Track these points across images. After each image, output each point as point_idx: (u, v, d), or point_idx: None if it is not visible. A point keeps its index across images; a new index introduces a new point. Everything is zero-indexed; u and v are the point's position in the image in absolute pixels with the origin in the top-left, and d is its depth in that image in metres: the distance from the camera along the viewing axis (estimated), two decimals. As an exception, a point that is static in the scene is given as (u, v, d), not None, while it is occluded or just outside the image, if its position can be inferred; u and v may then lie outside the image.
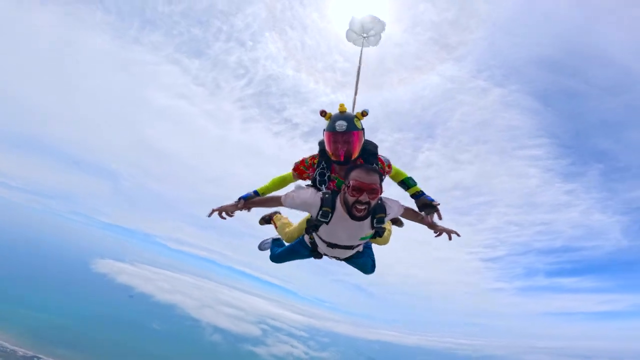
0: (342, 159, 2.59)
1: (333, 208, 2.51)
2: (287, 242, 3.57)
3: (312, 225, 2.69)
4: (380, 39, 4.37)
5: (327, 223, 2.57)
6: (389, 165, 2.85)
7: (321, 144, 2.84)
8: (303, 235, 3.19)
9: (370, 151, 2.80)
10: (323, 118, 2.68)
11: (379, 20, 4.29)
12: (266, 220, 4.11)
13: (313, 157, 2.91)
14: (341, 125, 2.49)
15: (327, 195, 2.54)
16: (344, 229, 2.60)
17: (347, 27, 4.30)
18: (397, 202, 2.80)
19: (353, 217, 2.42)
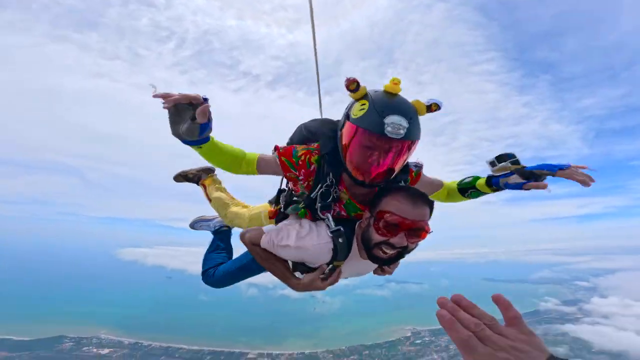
0: (372, 178, 1.46)
1: (347, 255, 1.55)
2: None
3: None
4: None
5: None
6: (418, 174, 1.74)
7: (327, 142, 1.59)
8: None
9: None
10: (351, 94, 1.44)
11: None
12: (187, 178, 2.69)
13: (309, 151, 1.60)
14: (397, 126, 1.32)
15: (340, 241, 1.51)
16: (348, 267, 1.67)
17: None
18: None
19: (372, 259, 1.46)
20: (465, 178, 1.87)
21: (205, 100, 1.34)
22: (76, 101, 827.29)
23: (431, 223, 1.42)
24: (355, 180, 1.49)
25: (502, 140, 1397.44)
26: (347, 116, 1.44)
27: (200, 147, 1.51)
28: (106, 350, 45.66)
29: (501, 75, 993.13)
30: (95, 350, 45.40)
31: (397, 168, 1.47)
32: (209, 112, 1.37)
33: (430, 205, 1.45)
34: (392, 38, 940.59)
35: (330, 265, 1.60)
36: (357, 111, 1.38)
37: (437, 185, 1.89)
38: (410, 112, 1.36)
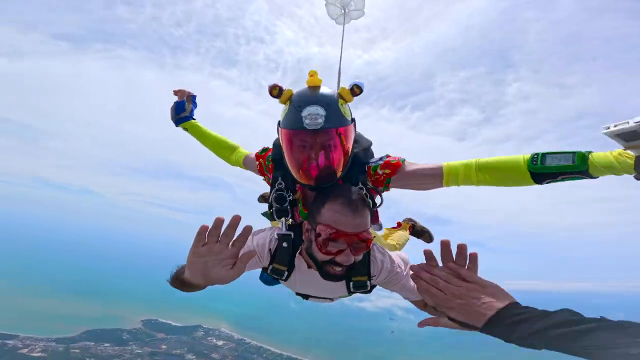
0: (314, 180, 1.40)
1: (291, 265, 1.49)
2: None
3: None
4: (362, 12, 3.23)
5: (284, 280, 1.58)
6: (390, 163, 1.51)
7: (277, 148, 1.61)
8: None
9: (358, 159, 1.52)
10: (277, 100, 1.39)
11: None
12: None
13: (272, 159, 1.64)
14: (314, 115, 1.27)
15: (284, 245, 1.44)
16: (309, 283, 1.59)
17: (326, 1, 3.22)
18: (394, 259, 1.53)
19: (324, 277, 1.36)
20: (547, 157, 1.26)
21: (194, 96, 2.18)
22: (230, 126, 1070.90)
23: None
24: (303, 184, 1.43)
25: None
26: (278, 123, 1.41)
27: (187, 129, 2.14)
28: (221, 342, 56.91)
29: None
30: (214, 341, 57.11)
31: (338, 163, 1.37)
32: (188, 95, 2.15)
33: (370, 208, 1.32)
34: (503, 40, 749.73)
35: (271, 266, 1.47)
36: (282, 114, 1.37)
37: (433, 173, 1.47)
38: (327, 99, 1.29)
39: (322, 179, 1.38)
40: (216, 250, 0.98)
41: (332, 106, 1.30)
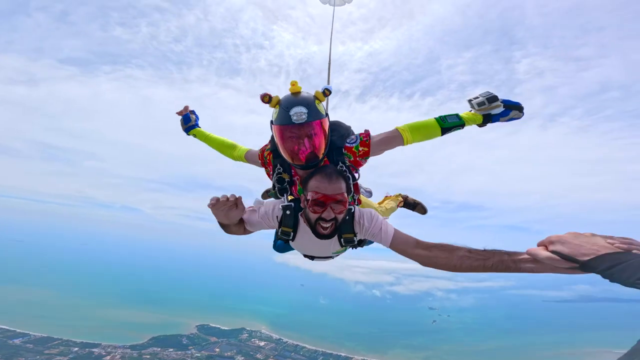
0: (304, 161, 1.91)
1: (295, 227, 2.01)
2: None
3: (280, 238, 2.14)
4: None
5: (291, 240, 2.10)
6: (366, 144, 2.05)
7: (272, 140, 2.13)
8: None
9: (334, 144, 2.05)
10: (267, 105, 1.90)
11: None
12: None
13: (269, 152, 2.20)
14: (299, 113, 1.78)
15: (287, 212, 1.96)
16: (312, 244, 2.08)
17: None
18: (375, 220, 1.93)
19: (318, 236, 1.88)
20: (447, 117, 2.05)
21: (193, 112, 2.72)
22: (244, 134, 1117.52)
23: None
24: (293, 165, 2.00)
25: None
26: (271, 122, 1.95)
27: (195, 135, 2.68)
28: (262, 343, 60.56)
29: None
30: (257, 342, 60.54)
31: (320, 146, 1.89)
32: (190, 111, 2.71)
33: (345, 179, 1.86)
34: (501, 16, 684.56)
35: (280, 229, 2.01)
36: (274, 115, 1.90)
37: (392, 137, 2.09)
38: (307, 101, 1.83)
39: (310, 160, 1.91)
40: (223, 203, 1.71)
41: (311, 105, 1.82)
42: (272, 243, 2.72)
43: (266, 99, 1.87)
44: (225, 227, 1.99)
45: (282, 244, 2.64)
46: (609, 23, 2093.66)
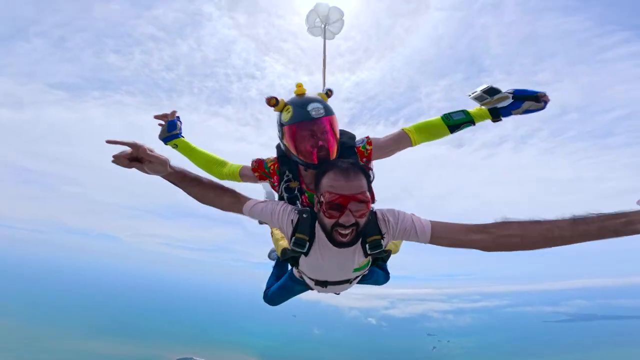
0: (321, 157, 1.76)
1: (312, 235, 1.64)
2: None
3: (288, 258, 1.82)
4: (342, 25, 3.92)
5: (305, 254, 1.69)
6: (369, 143, 1.98)
7: (280, 149, 2.01)
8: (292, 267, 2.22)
9: (346, 144, 1.94)
10: (273, 109, 1.84)
11: (337, 9, 3.90)
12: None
13: (275, 161, 2.06)
14: (317, 108, 1.72)
15: (304, 216, 1.65)
16: (329, 259, 1.72)
17: (307, 19, 3.88)
18: (402, 214, 1.63)
19: (335, 244, 1.53)
20: (453, 115, 1.94)
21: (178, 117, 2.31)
22: (233, 161, 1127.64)
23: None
24: (307, 165, 1.81)
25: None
26: (280, 125, 1.82)
27: (176, 145, 2.27)
28: None
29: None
30: None
31: (334, 141, 1.79)
32: (176, 116, 2.28)
33: (365, 173, 1.52)
34: (469, 47, 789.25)
35: (294, 238, 1.64)
36: (286, 116, 1.77)
37: (400, 137, 2.00)
38: (319, 98, 1.82)
39: (326, 157, 1.76)
40: (119, 158, 1.47)
41: (324, 102, 1.81)
42: (264, 272, 2.78)
43: (273, 101, 1.83)
44: (189, 190, 1.75)
45: (277, 290, 2.61)
46: (558, 50, 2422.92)
